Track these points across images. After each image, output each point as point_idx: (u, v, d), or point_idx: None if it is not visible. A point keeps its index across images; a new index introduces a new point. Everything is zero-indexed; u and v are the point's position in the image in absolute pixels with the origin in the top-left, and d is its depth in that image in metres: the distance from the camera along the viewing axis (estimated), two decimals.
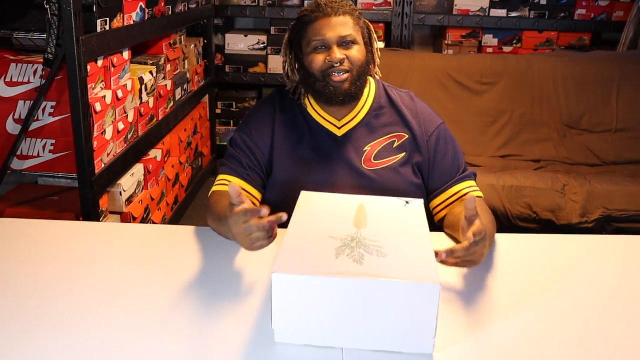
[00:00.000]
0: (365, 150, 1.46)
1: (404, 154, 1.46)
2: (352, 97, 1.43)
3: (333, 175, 1.45)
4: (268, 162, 1.48)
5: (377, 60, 1.52)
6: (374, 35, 1.50)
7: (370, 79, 1.52)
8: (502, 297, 1.15)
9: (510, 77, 2.96)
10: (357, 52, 1.41)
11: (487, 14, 3.56)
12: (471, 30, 3.63)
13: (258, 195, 1.47)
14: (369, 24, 1.50)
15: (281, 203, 1.37)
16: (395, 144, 1.46)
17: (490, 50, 3.68)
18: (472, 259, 1.13)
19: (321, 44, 1.40)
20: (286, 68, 1.51)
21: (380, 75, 1.54)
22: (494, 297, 1.15)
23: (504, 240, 1.39)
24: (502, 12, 3.57)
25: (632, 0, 3.49)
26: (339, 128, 1.48)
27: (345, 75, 1.40)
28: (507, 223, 2.37)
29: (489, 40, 3.68)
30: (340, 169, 1.45)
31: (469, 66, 2.99)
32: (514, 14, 3.57)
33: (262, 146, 1.48)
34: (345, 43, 1.40)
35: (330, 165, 1.46)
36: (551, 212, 2.37)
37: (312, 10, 1.43)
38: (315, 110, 1.49)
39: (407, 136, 1.47)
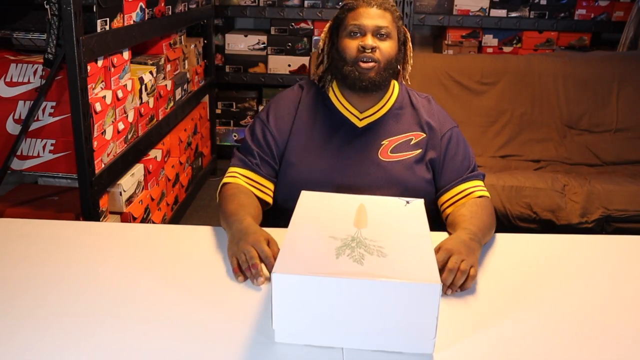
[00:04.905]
0: (383, 144, 1.50)
1: (419, 150, 1.50)
2: (375, 85, 1.45)
3: (348, 161, 1.48)
4: (284, 145, 1.51)
5: (409, 68, 1.55)
6: (409, 43, 1.54)
7: (396, 83, 1.57)
8: (502, 297, 1.15)
9: (510, 77, 2.95)
10: (388, 46, 1.44)
11: (487, 14, 3.57)
12: (471, 30, 3.64)
13: (269, 184, 1.50)
14: (406, 30, 1.54)
15: (293, 185, 1.43)
16: (413, 142, 1.51)
17: (490, 50, 3.68)
18: (460, 280, 1.15)
19: (357, 29, 1.44)
20: (321, 57, 1.55)
21: (409, 83, 1.57)
22: (494, 297, 1.15)
23: (504, 240, 1.39)
24: (502, 12, 3.57)
25: (632, 0, 3.49)
26: (360, 119, 1.51)
27: (372, 64, 1.43)
28: (507, 223, 2.37)
29: (489, 40, 3.68)
30: (355, 156, 1.48)
31: (469, 66, 2.98)
32: (514, 14, 3.57)
33: (280, 130, 1.51)
34: (380, 35, 1.44)
35: (346, 151, 1.49)
36: (551, 212, 2.37)
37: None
38: (338, 100, 1.53)
39: (424, 135, 1.52)
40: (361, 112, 1.51)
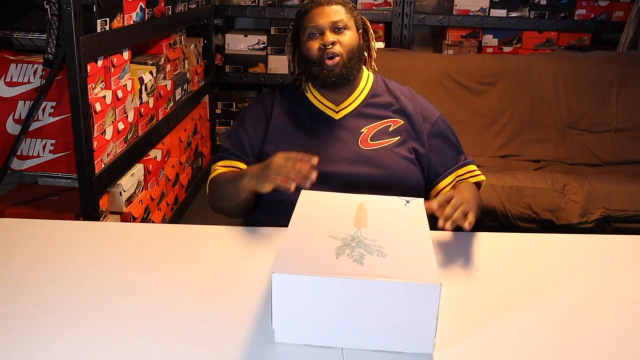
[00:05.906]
0: (362, 132, 1.53)
1: (398, 137, 1.54)
2: (344, 78, 1.51)
3: (329, 152, 1.50)
4: (260, 143, 1.55)
5: (374, 54, 1.62)
6: (370, 30, 1.60)
7: (370, 73, 1.61)
8: (502, 297, 1.15)
9: (510, 77, 2.95)
10: (348, 37, 1.50)
11: (487, 14, 3.56)
12: (471, 30, 3.63)
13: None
14: (364, 18, 1.60)
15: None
16: (391, 128, 1.54)
17: (490, 50, 3.68)
18: (458, 216, 1.24)
19: (315, 30, 1.50)
20: (291, 66, 1.61)
21: (376, 69, 1.62)
22: (493, 297, 1.15)
23: (504, 240, 1.40)
24: (502, 12, 3.57)
25: (632, 0, 3.49)
26: (337, 112, 1.55)
27: (337, 59, 1.48)
28: (507, 223, 2.36)
29: (489, 40, 3.68)
30: (336, 148, 1.51)
31: (469, 66, 2.98)
32: (514, 14, 3.57)
33: (255, 128, 1.56)
34: (337, 29, 1.50)
35: (326, 143, 1.52)
36: (551, 212, 2.36)
37: (307, 3, 1.55)
38: (314, 96, 1.57)
39: (403, 122, 1.55)
40: (337, 106, 1.56)
